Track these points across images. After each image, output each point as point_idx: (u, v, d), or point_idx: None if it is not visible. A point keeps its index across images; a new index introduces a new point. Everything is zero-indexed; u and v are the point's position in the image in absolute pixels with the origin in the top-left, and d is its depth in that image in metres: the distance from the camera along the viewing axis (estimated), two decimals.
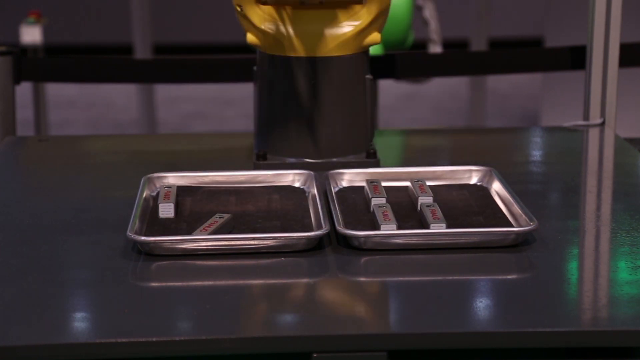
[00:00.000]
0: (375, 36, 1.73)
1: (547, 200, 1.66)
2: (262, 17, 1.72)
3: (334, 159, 1.75)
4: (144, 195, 1.55)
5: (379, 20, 1.72)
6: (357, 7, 1.71)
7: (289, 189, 1.62)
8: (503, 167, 1.70)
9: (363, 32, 1.71)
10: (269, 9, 1.71)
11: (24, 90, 2.75)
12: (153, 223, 1.48)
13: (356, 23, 1.71)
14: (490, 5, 4.79)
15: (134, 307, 1.26)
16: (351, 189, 1.62)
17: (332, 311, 1.27)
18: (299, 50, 1.71)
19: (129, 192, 1.60)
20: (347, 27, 1.71)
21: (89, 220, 1.54)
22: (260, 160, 1.75)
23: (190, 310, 1.27)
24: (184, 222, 1.48)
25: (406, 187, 1.61)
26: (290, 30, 1.72)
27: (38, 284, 1.31)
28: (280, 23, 1.71)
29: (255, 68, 1.80)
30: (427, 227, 1.44)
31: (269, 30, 1.71)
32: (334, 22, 1.71)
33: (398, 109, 5.84)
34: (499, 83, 5.96)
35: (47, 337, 1.19)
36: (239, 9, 1.72)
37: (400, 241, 1.41)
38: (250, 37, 1.74)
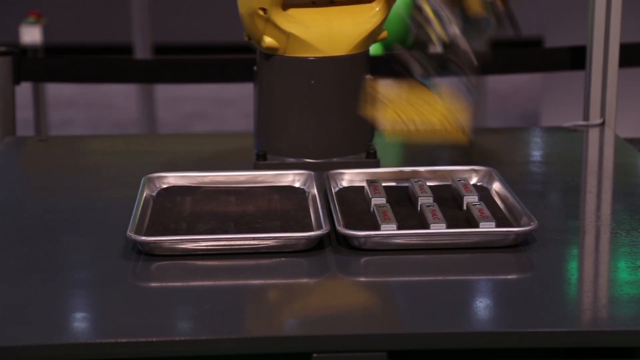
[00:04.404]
0: (385, 33, 1.75)
1: (547, 200, 1.66)
2: (287, 19, 1.71)
3: (334, 159, 1.74)
4: (144, 195, 1.55)
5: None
6: (367, 7, 1.72)
7: (289, 189, 1.62)
8: (503, 167, 1.70)
9: (375, 31, 1.72)
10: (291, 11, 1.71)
11: (24, 90, 2.75)
12: (153, 223, 1.48)
13: (368, 22, 1.71)
14: None
15: (134, 307, 1.26)
16: (351, 189, 1.62)
17: (332, 311, 1.27)
18: (317, 50, 1.71)
19: (129, 192, 1.60)
20: (361, 26, 1.71)
21: (89, 220, 1.54)
22: (260, 160, 1.74)
23: (190, 310, 1.27)
24: (184, 222, 1.48)
25: (406, 187, 1.61)
26: (303, 30, 1.71)
27: (38, 284, 1.31)
28: (295, 23, 1.70)
29: (255, 68, 1.79)
30: (427, 227, 1.44)
31: (292, 32, 1.69)
32: (346, 21, 1.72)
33: None
34: (499, 83, 5.96)
35: (47, 337, 1.19)
36: (261, 12, 1.67)
37: (400, 241, 1.41)
38: (269, 41, 1.70)
